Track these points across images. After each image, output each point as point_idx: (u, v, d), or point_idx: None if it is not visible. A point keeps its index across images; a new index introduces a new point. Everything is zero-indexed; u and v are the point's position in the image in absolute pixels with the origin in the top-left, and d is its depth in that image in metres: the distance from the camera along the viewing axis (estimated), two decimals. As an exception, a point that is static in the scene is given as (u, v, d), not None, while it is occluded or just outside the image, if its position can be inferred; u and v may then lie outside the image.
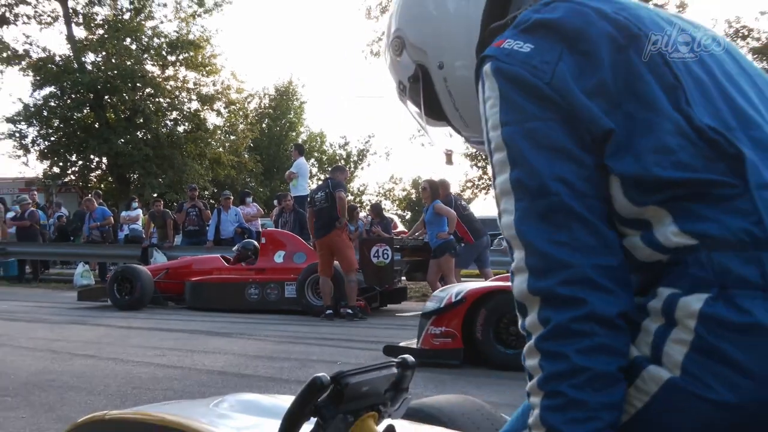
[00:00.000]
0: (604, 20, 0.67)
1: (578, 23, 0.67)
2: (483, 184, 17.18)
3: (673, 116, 0.62)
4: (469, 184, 17.45)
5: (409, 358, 1.00)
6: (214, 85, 17.39)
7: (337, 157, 22.85)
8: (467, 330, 4.34)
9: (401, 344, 4.72)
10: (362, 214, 10.09)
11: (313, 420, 0.92)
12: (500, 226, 0.68)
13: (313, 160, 22.40)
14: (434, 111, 0.95)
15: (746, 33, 15.99)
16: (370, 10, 16.23)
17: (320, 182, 10.54)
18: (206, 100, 17.12)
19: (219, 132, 18.25)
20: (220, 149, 17.75)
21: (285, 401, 1.12)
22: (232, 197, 10.51)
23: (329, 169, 14.38)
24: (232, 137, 18.41)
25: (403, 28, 0.97)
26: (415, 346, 4.54)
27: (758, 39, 15.81)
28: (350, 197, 13.60)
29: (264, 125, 21.96)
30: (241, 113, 18.69)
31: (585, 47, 0.66)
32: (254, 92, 21.77)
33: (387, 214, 11.75)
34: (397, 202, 21.88)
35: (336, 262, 6.75)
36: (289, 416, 0.94)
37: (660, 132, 0.62)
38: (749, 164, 0.60)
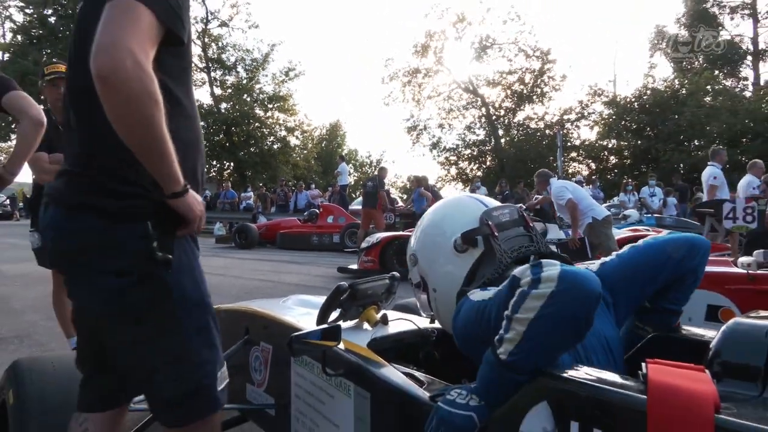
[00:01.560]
0: None
1: None
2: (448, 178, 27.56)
3: None
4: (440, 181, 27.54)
5: (396, 273, 1.55)
6: (294, 121, 28.63)
7: (366, 162, 34.82)
8: (382, 258, 6.90)
9: (349, 267, 7.26)
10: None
11: (338, 311, 1.49)
12: None
13: (351, 164, 33.95)
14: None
15: (600, 92, 25.85)
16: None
17: (370, 176, 12.95)
18: (290, 130, 28.40)
19: (297, 149, 29.19)
20: (298, 159, 28.62)
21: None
22: (304, 185, 16.63)
23: (374, 167, 24.11)
24: (304, 152, 29.52)
25: (418, 255, 1.32)
26: (355, 267, 7.15)
27: (608, 96, 25.69)
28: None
29: (322, 144, 34.05)
30: (309, 138, 30.14)
31: None
32: (317, 126, 33.63)
33: (392, 196, 21.50)
34: (399, 190, 32.55)
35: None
36: (324, 308, 1.50)
37: None
38: None
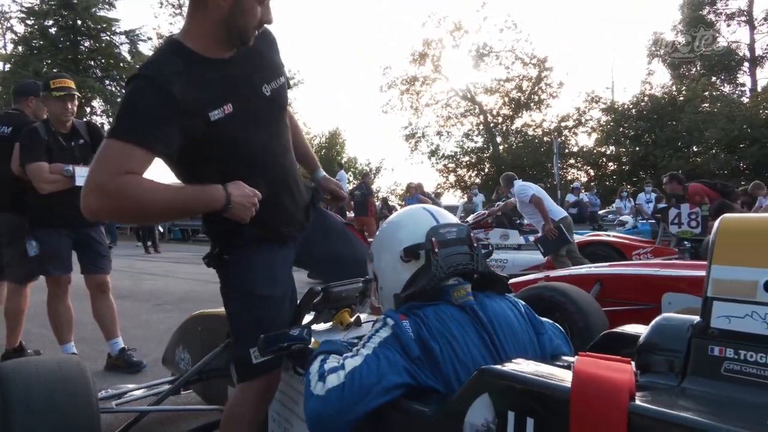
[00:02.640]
0: None
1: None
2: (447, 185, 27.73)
3: None
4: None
5: (369, 278, 1.51)
6: (294, 129, 28.90)
7: (365, 170, 34.81)
8: None
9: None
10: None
11: (312, 314, 1.60)
12: None
13: (350, 172, 34.09)
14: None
15: (597, 98, 26.03)
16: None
17: (356, 184, 13.37)
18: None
19: None
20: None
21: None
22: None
23: (374, 174, 24.63)
24: (304, 160, 29.94)
25: (374, 254, 1.43)
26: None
27: (605, 102, 25.86)
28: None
29: (322, 153, 34.19)
30: (309, 145, 30.28)
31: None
32: (317, 134, 33.87)
33: (391, 204, 22.00)
34: (397, 196, 32.78)
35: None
36: (297, 310, 1.58)
37: None
38: None
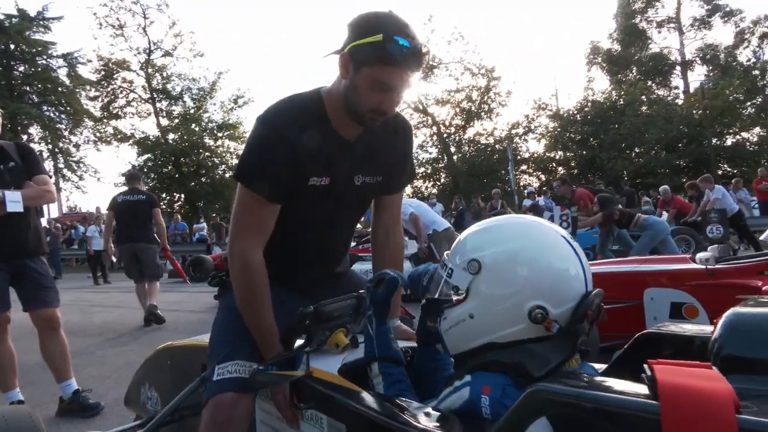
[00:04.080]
0: None
1: None
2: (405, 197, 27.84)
3: None
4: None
5: (362, 291, 1.33)
6: (245, 148, 28.21)
7: None
8: None
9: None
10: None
11: (303, 337, 1.29)
12: None
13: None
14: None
15: (545, 105, 26.90)
16: None
17: None
18: (241, 159, 27.99)
19: None
20: None
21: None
22: None
23: None
24: (257, 179, 29.29)
25: (485, 270, 1.02)
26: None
27: (552, 109, 26.75)
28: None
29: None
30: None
31: None
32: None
33: None
34: None
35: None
36: (288, 334, 1.34)
37: None
38: None
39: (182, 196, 27.44)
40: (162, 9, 27.75)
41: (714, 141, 23.27)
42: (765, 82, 24.99)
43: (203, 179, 27.10)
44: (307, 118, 1.34)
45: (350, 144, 1.41)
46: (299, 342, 1.45)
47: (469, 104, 27.42)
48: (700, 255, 3.10)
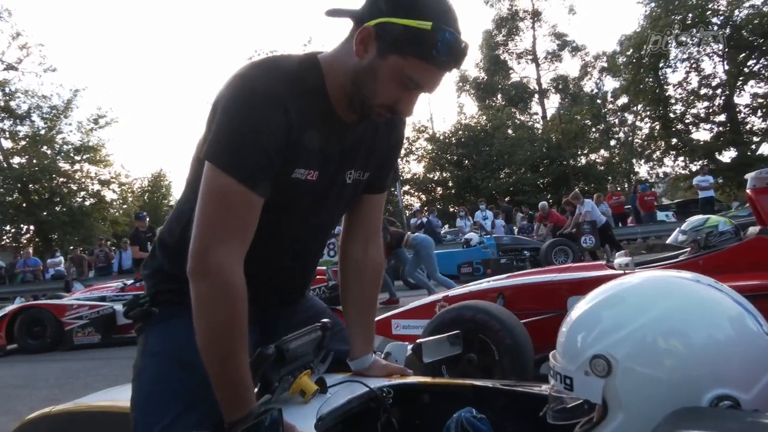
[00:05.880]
0: None
1: None
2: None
3: None
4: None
5: (329, 321, 1.17)
6: (109, 173, 25.66)
7: None
8: (9, 331, 6.75)
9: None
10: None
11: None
12: None
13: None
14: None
15: (423, 128, 28.20)
16: None
17: None
18: (104, 183, 25.28)
19: (115, 203, 26.28)
20: (117, 214, 25.76)
21: None
22: (129, 242, 11.87)
23: None
24: (124, 206, 26.59)
25: (620, 367, 0.70)
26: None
27: (429, 133, 28.10)
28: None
29: (145, 197, 31.04)
30: (129, 190, 27.31)
31: None
32: (138, 177, 30.81)
33: None
34: None
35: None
36: None
37: None
38: None
39: (32, 227, 24.18)
40: (3, 17, 24.45)
41: (571, 161, 25.87)
42: (606, 110, 28.48)
43: (58, 207, 24.10)
44: (304, 86, 1.01)
45: (350, 130, 1.09)
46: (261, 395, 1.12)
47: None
48: (618, 261, 3.18)
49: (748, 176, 3.15)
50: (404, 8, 0.92)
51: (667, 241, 3.37)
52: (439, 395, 1.26)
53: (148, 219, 9.58)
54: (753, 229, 3.07)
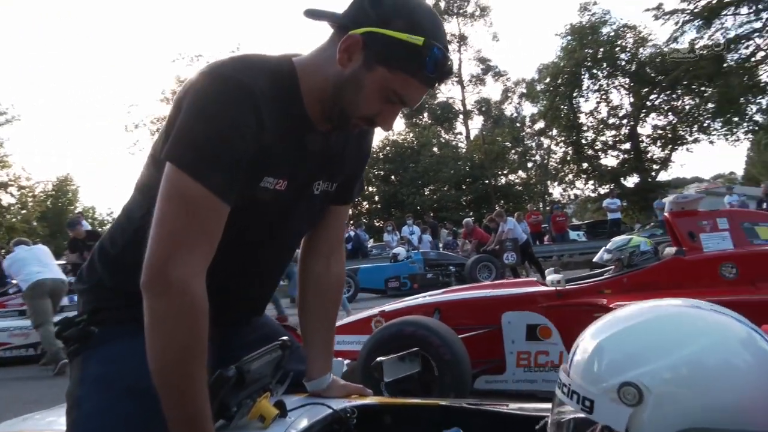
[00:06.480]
0: None
1: None
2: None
3: None
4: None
5: (288, 339, 1.12)
6: (7, 175, 23.56)
7: (107, 221, 30.93)
8: None
9: None
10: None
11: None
12: None
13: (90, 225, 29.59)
14: None
15: None
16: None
17: None
18: (1, 186, 23.24)
19: (13, 208, 24.09)
20: (14, 220, 23.62)
21: None
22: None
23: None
24: (23, 211, 24.41)
25: (653, 397, 0.66)
26: None
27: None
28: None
29: (48, 203, 28.67)
30: (30, 195, 25.05)
31: None
32: (40, 180, 28.51)
33: None
34: None
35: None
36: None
37: None
38: None
39: None
40: None
41: (492, 181, 26.98)
42: (524, 133, 30.05)
43: (-55, 211, 21.83)
44: (277, 89, 0.93)
45: (322, 138, 1.03)
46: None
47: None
48: (550, 278, 3.30)
49: (666, 200, 3.40)
50: (396, 20, 0.88)
51: (594, 260, 3.55)
52: (403, 416, 1.22)
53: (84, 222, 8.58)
54: (669, 250, 3.31)
